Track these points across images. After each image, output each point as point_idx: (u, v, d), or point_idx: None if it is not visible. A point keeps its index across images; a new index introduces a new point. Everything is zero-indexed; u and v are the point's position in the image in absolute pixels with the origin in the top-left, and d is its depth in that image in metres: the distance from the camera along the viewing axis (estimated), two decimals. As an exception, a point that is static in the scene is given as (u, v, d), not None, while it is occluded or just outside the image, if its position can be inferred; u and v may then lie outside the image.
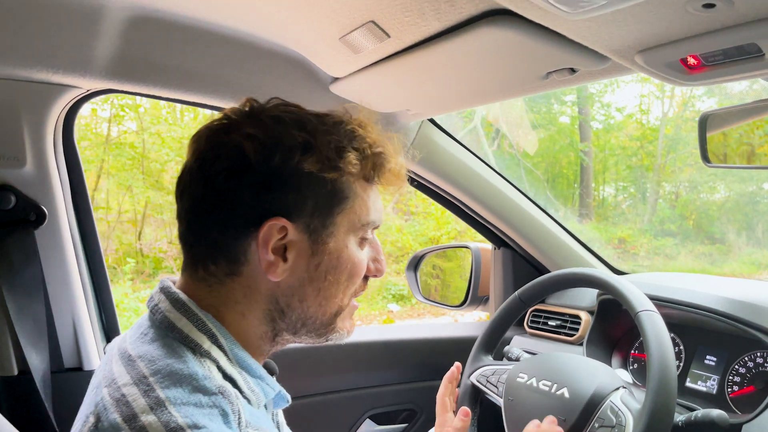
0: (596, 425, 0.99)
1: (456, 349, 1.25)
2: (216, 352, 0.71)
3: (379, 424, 1.55)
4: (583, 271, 1.15)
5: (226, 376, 0.70)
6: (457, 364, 1.22)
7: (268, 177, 0.71)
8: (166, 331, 0.71)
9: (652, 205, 12.52)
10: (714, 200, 12.76)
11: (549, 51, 0.90)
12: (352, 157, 0.73)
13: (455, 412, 1.18)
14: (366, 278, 0.83)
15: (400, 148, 0.80)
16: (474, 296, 1.80)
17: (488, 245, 1.80)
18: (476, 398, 1.26)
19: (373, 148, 0.76)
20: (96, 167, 7.45)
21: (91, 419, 0.64)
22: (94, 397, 0.67)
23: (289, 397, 0.82)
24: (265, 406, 0.78)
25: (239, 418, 0.65)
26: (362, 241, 0.80)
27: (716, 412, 0.94)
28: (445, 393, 1.18)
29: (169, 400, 0.62)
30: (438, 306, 1.94)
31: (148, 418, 0.60)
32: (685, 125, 12.89)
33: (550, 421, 1.00)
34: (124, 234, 7.85)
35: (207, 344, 0.71)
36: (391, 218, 9.90)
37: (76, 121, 1.26)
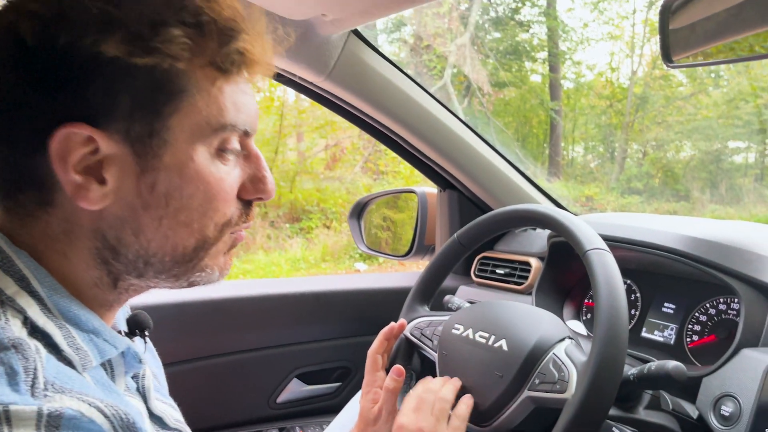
0: (536, 381, 0.85)
1: (396, 301, 1.10)
2: (24, 300, 0.53)
3: (309, 383, 1.40)
4: (527, 207, 1.00)
5: (37, 330, 0.53)
6: (401, 321, 1.08)
7: (53, 67, 0.52)
8: None
9: (619, 164, 12.55)
10: (680, 158, 12.84)
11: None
12: (176, 33, 0.54)
13: (387, 372, 1.04)
14: (249, 203, 0.65)
15: (263, 28, 0.61)
16: (420, 245, 1.65)
17: (435, 189, 1.64)
18: (410, 354, 1.11)
19: (218, 22, 0.56)
20: None
21: None
22: None
23: (141, 357, 0.64)
24: (108, 366, 0.60)
25: (34, 377, 0.48)
26: (222, 153, 0.60)
27: (672, 364, 0.80)
28: (379, 349, 1.03)
29: None
30: (382, 256, 1.79)
31: None
32: (654, 84, 12.88)
33: (467, 404, 0.88)
34: None
35: (12, 289, 0.53)
36: (359, 177, 9.73)
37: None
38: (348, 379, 1.45)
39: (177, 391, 0.75)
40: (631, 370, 0.86)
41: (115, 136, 0.54)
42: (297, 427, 1.35)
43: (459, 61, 10.89)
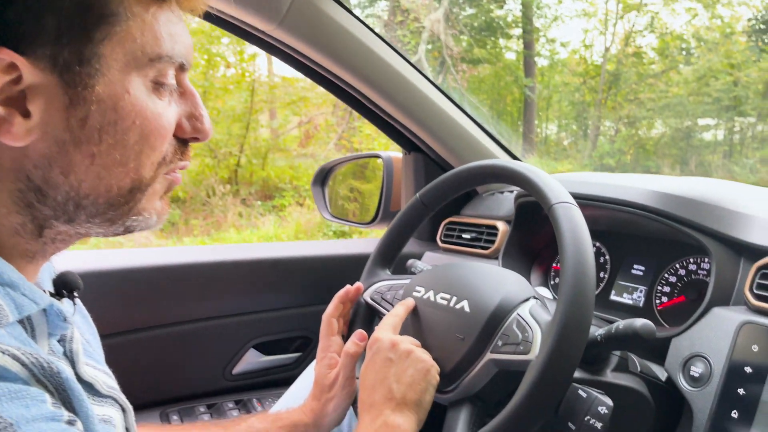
0: (499, 343, 0.80)
1: (358, 268, 1.04)
2: None
3: (267, 354, 1.34)
4: (491, 162, 0.93)
5: None
6: (357, 284, 1.02)
7: None
8: None
9: (592, 141, 12.64)
10: (651, 136, 12.97)
11: None
12: None
13: (345, 337, 0.98)
14: (185, 142, 0.60)
15: None
16: (386, 211, 1.58)
17: (401, 154, 1.58)
18: (370, 319, 1.05)
19: None
20: None
21: None
22: None
23: (66, 315, 0.57)
24: (28, 325, 0.53)
25: None
26: (159, 87, 0.55)
27: (640, 322, 0.76)
28: (334, 313, 0.98)
29: None
30: (347, 224, 1.72)
31: None
32: (626, 61, 12.94)
33: (411, 341, 0.85)
34: None
35: None
36: (333, 155, 9.60)
37: None
38: (308, 349, 1.39)
39: (124, 364, 0.69)
40: (598, 330, 0.81)
41: (40, 63, 0.49)
42: (254, 399, 1.28)
43: (433, 36, 10.78)
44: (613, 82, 13.06)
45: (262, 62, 9.78)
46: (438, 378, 0.80)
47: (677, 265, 1.08)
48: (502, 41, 13.28)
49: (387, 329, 0.84)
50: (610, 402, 0.77)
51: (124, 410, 0.64)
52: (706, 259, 1.04)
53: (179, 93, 0.59)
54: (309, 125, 10.16)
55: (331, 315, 0.97)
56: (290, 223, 8.05)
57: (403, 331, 0.93)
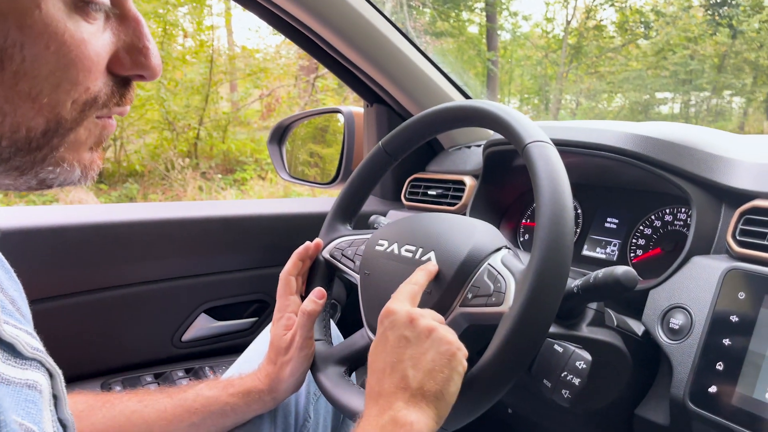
0: (469, 295, 0.73)
1: (317, 227, 0.96)
2: None
3: (220, 319, 1.25)
4: (458, 103, 0.85)
5: None
6: (317, 240, 0.94)
7: None
8: None
9: (553, 114, 12.72)
10: (611, 109, 13.13)
11: None
12: None
13: (304, 297, 0.90)
14: (125, 81, 0.49)
15: None
16: (347, 170, 1.49)
17: (363, 109, 1.49)
18: (330, 277, 0.97)
19: None
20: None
21: None
22: None
23: None
24: None
25: None
26: (84, 7, 0.44)
27: (621, 269, 0.70)
28: (292, 271, 0.90)
29: None
30: (306, 185, 1.63)
31: None
32: (587, 34, 13.01)
33: (433, 316, 0.70)
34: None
35: None
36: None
37: None
38: (265, 313, 1.30)
39: (58, 332, 0.60)
40: (574, 282, 0.75)
41: None
42: (206, 368, 1.19)
43: (396, 8, 10.61)
44: (575, 56, 13.14)
45: (223, 33, 9.52)
46: (465, 364, 0.65)
47: (653, 217, 1.03)
48: (465, 14, 13.21)
49: (403, 300, 0.69)
50: (588, 356, 0.71)
51: (51, 375, 0.54)
52: (684, 209, 0.99)
53: (118, 18, 0.47)
54: (270, 98, 9.95)
55: (288, 273, 0.89)
56: (252, 197, 7.90)
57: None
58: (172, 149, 8.35)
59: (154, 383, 1.13)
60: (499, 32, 13.11)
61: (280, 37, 10.91)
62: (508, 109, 0.78)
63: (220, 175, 8.49)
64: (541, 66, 13.41)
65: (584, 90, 13.02)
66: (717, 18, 11.50)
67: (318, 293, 0.85)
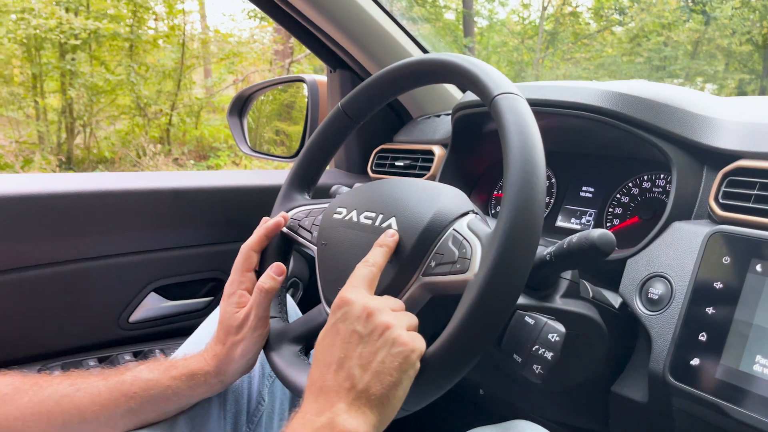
0: (432, 263, 0.66)
1: (275, 200, 0.88)
2: None
3: (172, 299, 1.16)
4: (422, 57, 0.78)
5: None
6: (283, 213, 0.87)
7: None
8: None
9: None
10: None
11: None
12: None
13: (259, 273, 0.82)
14: None
15: None
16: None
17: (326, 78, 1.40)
18: (286, 251, 0.89)
19: None
20: None
21: None
22: None
23: None
24: None
25: None
26: None
27: (598, 232, 0.63)
28: (255, 246, 0.82)
29: None
30: (269, 158, 1.55)
31: None
32: (563, 20, 13.02)
33: (392, 305, 0.63)
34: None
35: None
36: (269, 114, 9.24)
37: None
38: (221, 293, 1.22)
39: None
40: (546, 249, 0.69)
41: None
42: (156, 350, 1.11)
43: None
44: (551, 42, 13.15)
45: (196, 18, 9.34)
46: (418, 367, 0.59)
47: (630, 184, 0.97)
48: (441, 1, 13.13)
49: (360, 285, 0.62)
50: (562, 328, 0.65)
51: None
52: (663, 175, 0.93)
53: None
54: (245, 83, 9.79)
55: (251, 248, 0.81)
56: (225, 183, 7.76)
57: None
58: (144, 135, 8.19)
59: (97, 368, 1.04)
60: (475, 18, 13.06)
61: (255, 21, 10.74)
62: (474, 60, 0.70)
63: (193, 162, 8.36)
64: (518, 52, 13.38)
65: (560, 76, 13.03)
66: (690, 4, 11.56)
67: (277, 269, 0.78)
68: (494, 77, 0.67)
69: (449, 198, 0.72)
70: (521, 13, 13.91)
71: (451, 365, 0.59)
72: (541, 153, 0.61)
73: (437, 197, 0.71)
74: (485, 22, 13.86)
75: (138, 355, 1.10)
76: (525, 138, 0.61)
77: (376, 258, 0.65)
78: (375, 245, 0.67)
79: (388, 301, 0.62)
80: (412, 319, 0.62)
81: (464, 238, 0.65)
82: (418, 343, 0.58)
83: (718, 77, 11.88)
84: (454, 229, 0.67)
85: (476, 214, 0.71)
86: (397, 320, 0.59)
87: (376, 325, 0.58)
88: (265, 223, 0.83)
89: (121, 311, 1.10)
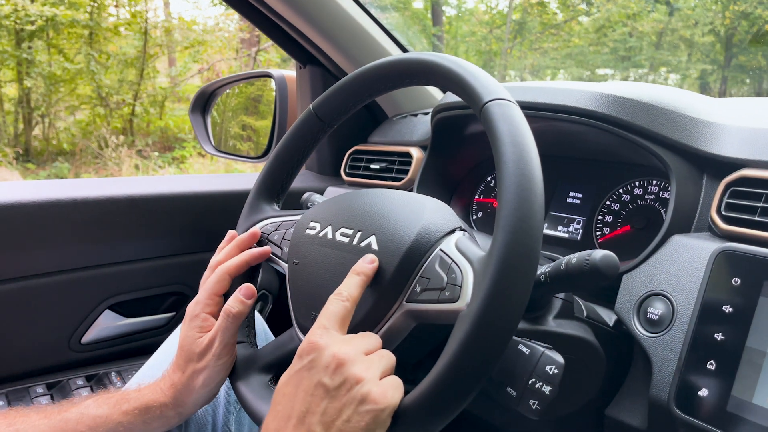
0: (417, 289, 0.59)
1: (242, 208, 0.80)
2: None
3: (129, 316, 1.07)
4: (404, 56, 0.71)
5: None
6: (253, 230, 0.79)
7: None
8: None
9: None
10: (555, 85, 13.19)
11: None
12: None
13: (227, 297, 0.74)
14: None
15: None
16: (279, 141, 1.33)
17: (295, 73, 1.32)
18: (255, 267, 0.82)
19: None
20: None
21: None
22: None
23: None
24: None
25: None
26: None
27: (600, 254, 0.57)
28: (233, 270, 0.73)
29: None
30: (234, 159, 1.46)
31: None
32: (531, 10, 13.06)
33: (365, 348, 0.56)
34: None
35: None
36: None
37: None
38: (184, 308, 1.13)
39: None
40: (540, 268, 0.62)
41: None
42: (112, 373, 1.01)
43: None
44: (519, 32, 13.19)
45: (159, 5, 9.10)
46: (388, 424, 0.52)
47: (620, 191, 0.92)
48: (408, -10, 13.05)
49: (331, 325, 0.56)
50: (560, 359, 0.59)
51: None
52: (656, 181, 0.88)
53: None
54: (210, 72, 9.59)
55: (228, 272, 0.72)
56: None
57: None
58: (106, 126, 7.96)
59: (46, 395, 0.95)
60: (444, 7, 13.03)
61: (220, 9, 10.49)
62: (462, 62, 0.63)
63: (157, 153, 8.16)
64: (486, 42, 13.39)
65: (528, 66, 13.09)
66: (655, -5, 11.69)
67: (246, 291, 0.69)
68: (484, 81, 0.60)
69: (434, 213, 0.65)
70: (489, 3, 13.92)
71: (445, 404, 0.53)
72: (539, 167, 0.54)
73: (421, 213, 0.65)
74: (454, 12, 13.84)
75: (91, 380, 1.00)
76: (521, 150, 0.55)
77: (350, 290, 0.58)
78: (351, 273, 0.60)
79: (363, 342, 0.55)
80: (389, 362, 0.55)
81: (453, 261, 0.58)
82: (390, 398, 0.51)
83: (681, 67, 12.07)
84: (441, 250, 0.61)
85: (463, 231, 0.65)
86: (370, 371, 0.52)
87: (346, 378, 0.51)
88: (242, 244, 0.75)
89: (72, 332, 1.01)
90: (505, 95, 0.58)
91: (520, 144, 0.55)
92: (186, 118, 8.61)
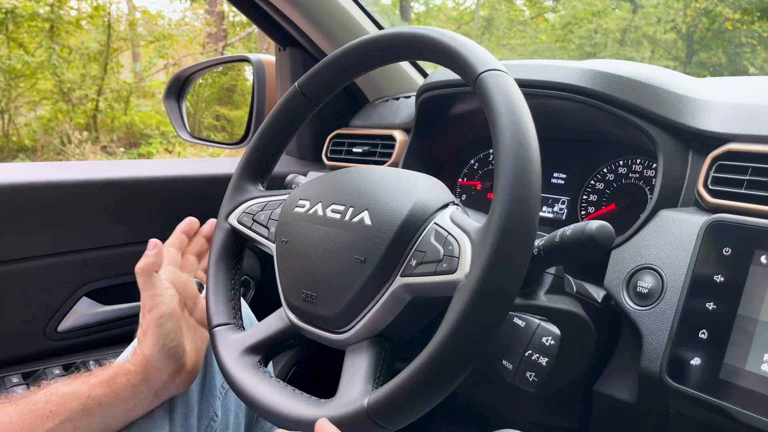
0: (413, 262, 0.59)
1: (222, 192, 0.78)
2: None
3: (107, 303, 1.04)
4: (395, 30, 0.70)
5: None
6: (211, 221, 0.85)
7: None
8: None
9: (468, 86, 12.82)
10: (522, 81, 13.35)
11: None
12: None
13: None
14: None
15: None
16: (258, 127, 1.30)
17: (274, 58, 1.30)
18: (239, 250, 0.80)
19: None
20: None
21: None
22: None
23: None
24: None
25: None
26: None
27: (596, 224, 0.58)
28: (174, 243, 0.80)
29: None
30: (210, 145, 1.43)
31: None
32: (499, 6, 13.17)
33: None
34: None
35: None
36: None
37: None
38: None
39: None
40: (536, 241, 0.62)
41: None
42: (91, 361, 0.98)
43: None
44: (486, 28, 13.28)
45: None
46: None
47: (605, 170, 0.93)
48: (376, -14, 13.06)
49: None
50: (556, 330, 0.59)
51: None
52: (639, 159, 0.89)
53: None
54: (176, 68, 9.42)
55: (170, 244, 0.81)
56: (158, 171, 7.48)
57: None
58: (68, 122, 7.77)
59: (22, 384, 0.91)
60: (412, 3, 13.05)
61: (186, 2, 10.33)
62: (454, 34, 0.63)
63: (122, 149, 8.01)
64: (455, 38, 13.48)
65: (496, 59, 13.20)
66: (620, -8, 11.89)
67: (149, 245, 0.73)
68: (477, 52, 0.60)
69: (427, 188, 0.65)
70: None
71: (444, 378, 0.53)
72: (535, 137, 0.54)
73: (414, 187, 0.64)
74: (422, 8, 13.88)
75: (69, 369, 0.97)
76: (517, 120, 0.54)
77: None
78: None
79: None
80: None
81: (449, 234, 0.58)
82: None
83: (644, 64, 12.33)
84: (435, 223, 0.60)
85: (457, 205, 0.64)
86: None
87: None
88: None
89: (48, 320, 0.97)
90: (499, 66, 0.58)
91: (516, 114, 0.54)
92: (151, 113, 8.45)
